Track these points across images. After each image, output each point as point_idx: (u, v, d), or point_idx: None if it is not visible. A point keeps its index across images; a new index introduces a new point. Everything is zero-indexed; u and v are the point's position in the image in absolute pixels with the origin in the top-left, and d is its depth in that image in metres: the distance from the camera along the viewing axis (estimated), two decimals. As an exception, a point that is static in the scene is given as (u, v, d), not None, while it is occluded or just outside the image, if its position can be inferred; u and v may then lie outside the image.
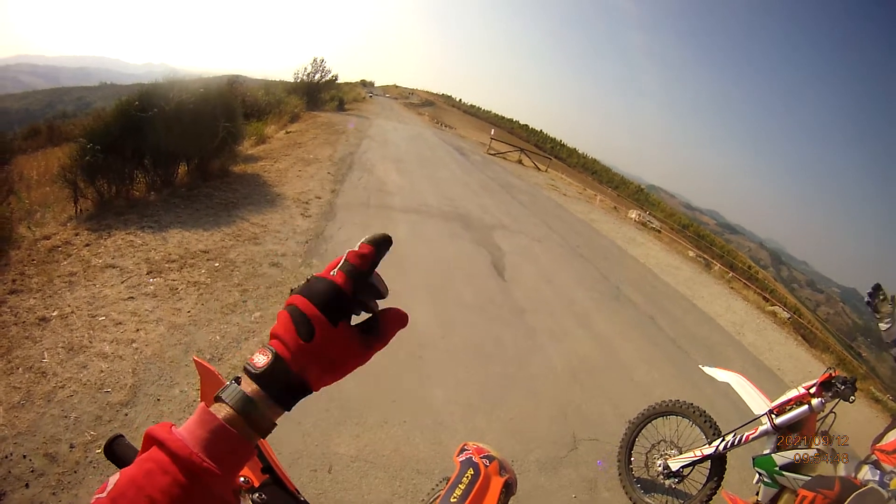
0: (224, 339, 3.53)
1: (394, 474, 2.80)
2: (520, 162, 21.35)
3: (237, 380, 0.56)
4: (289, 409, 0.57)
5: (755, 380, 3.19)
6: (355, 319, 0.60)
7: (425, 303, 4.86)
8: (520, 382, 4.11)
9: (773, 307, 14.07)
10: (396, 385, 3.43)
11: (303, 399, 0.57)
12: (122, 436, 0.69)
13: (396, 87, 67.78)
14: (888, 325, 2.82)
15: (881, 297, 2.84)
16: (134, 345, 3.21)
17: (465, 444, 1.53)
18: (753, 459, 2.93)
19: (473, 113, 59.12)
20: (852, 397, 2.76)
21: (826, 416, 2.91)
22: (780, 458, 2.81)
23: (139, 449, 0.54)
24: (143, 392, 2.84)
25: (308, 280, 0.59)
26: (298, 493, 0.78)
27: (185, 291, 3.99)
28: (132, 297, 3.72)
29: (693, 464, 3.14)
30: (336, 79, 25.51)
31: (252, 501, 0.72)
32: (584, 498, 3.22)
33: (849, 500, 1.87)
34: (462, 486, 1.33)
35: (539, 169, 21.77)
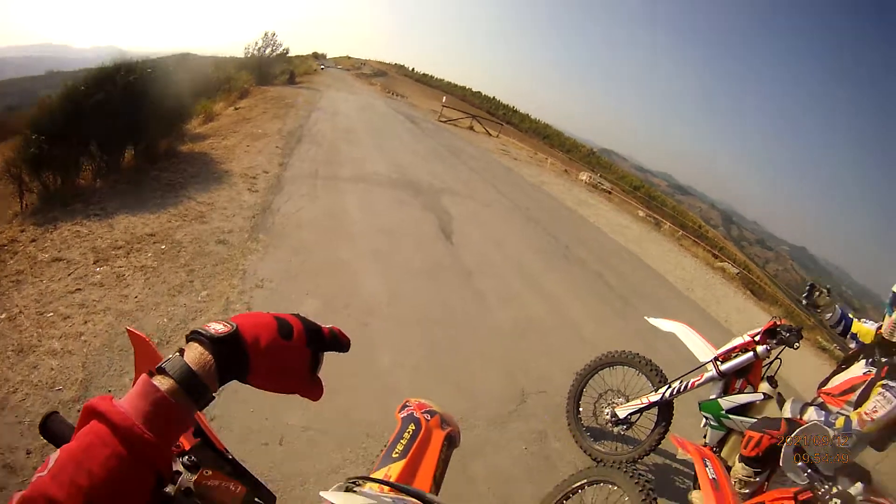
0: (171, 322, 3.47)
1: (343, 440, 2.79)
2: (471, 128, 21.30)
3: (181, 351, 0.57)
4: (222, 385, 0.60)
5: (703, 331, 3.24)
6: None
7: (373, 270, 4.79)
8: (468, 344, 4.11)
9: (722, 263, 14.61)
10: (341, 357, 3.33)
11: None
12: (56, 412, 0.66)
13: (349, 58, 65.62)
14: (831, 315, 2.92)
15: (817, 294, 2.92)
16: (83, 338, 3.14)
17: (407, 401, 1.52)
18: (700, 404, 3.01)
19: (426, 82, 58.08)
20: (797, 344, 2.84)
21: (772, 362, 3.00)
22: (727, 402, 2.90)
23: (75, 425, 0.55)
24: (95, 385, 2.79)
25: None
26: (227, 451, 0.78)
27: (132, 277, 3.91)
28: (79, 289, 3.63)
29: (640, 411, 3.19)
30: (287, 52, 25.26)
31: (182, 464, 0.73)
32: (535, 449, 3.24)
33: (793, 435, 1.91)
34: (404, 441, 1.33)
35: (490, 135, 21.79)
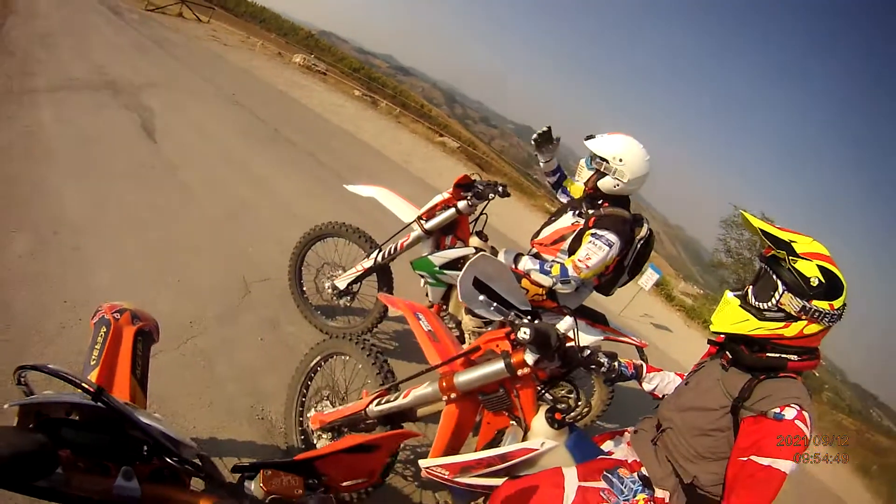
0: None
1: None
2: (180, 15, 18.82)
3: None
4: None
5: (427, 201, 3.11)
6: None
7: (74, 187, 3.96)
8: (181, 241, 3.79)
9: (442, 139, 15.86)
10: (60, 285, 2.82)
11: None
12: None
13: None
14: (550, 160, 3.09)
15: (550, 141, 3.00)
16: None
17: (99, 306, 1.43)
18: (412, 263, 3.05)
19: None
20: (491, 195, 2.94)
21: (478, 217, 3.14)
22: (437, 258, 2.95)
23: None
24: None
25: None
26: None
27: None
28: None
29: (358, 279, 3.21)
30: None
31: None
32: (271, 338, 3.17)
33: (465, 267, 1.76)
34: (98, 347, 1.28)
35: (201, 21, 19.70)
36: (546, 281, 2.69)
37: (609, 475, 1.58)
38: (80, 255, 3.13)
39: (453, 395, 1.66)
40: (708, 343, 1.82)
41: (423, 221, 2.98)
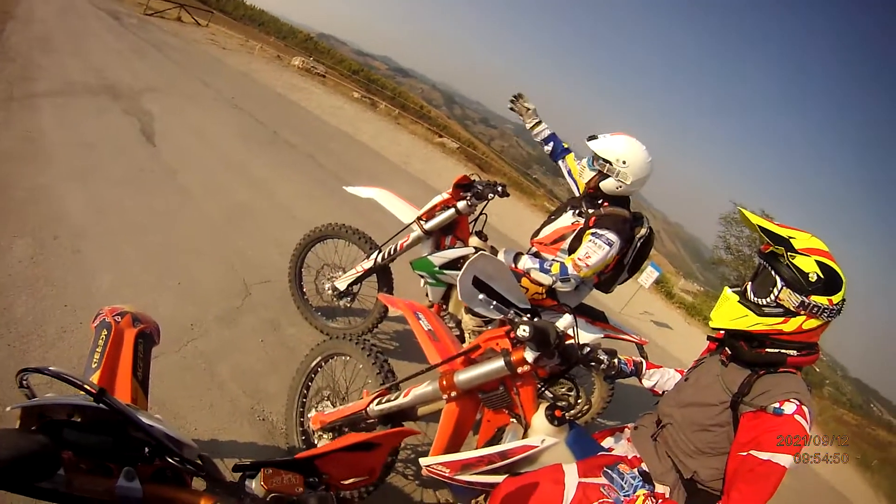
0: None
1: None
2: (179, 19, 18.95)
3: None
4: None
5: (427, 201, 3.11)
6: None
7: (74, 192, 3.94)
8: (181, 244, 3.79)
9: (441, 139, 15.86)
10: (61, 289, 2.82)
11: None
12: None
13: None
14: (533, 122, 3.12)
15: (523, 102, 3.10)
16: None
17: (99, 310, 1.42)
18: (411, 263, 3.04)
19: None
20: (491, 195, 2.93)
21: (478, 217, 3.12)
22: (437, 258, 2.93)
23: None
24: None
25: None
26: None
27: None
28: None
29: (358, 280, 3.20)
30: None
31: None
32: (271, 339, 3.17)
33: (465, 266, 1.75)
34: (99, 350, 1.27)
35: (199, 24, 19.88)
36: (546, 279, 2.70)
37: (609, 471, 1.58)
38: (81, 259, 3.15)
39: (453, 394, 1.66)
40: (707, 339, 1.82)
41: (422, 222, 2.98)
